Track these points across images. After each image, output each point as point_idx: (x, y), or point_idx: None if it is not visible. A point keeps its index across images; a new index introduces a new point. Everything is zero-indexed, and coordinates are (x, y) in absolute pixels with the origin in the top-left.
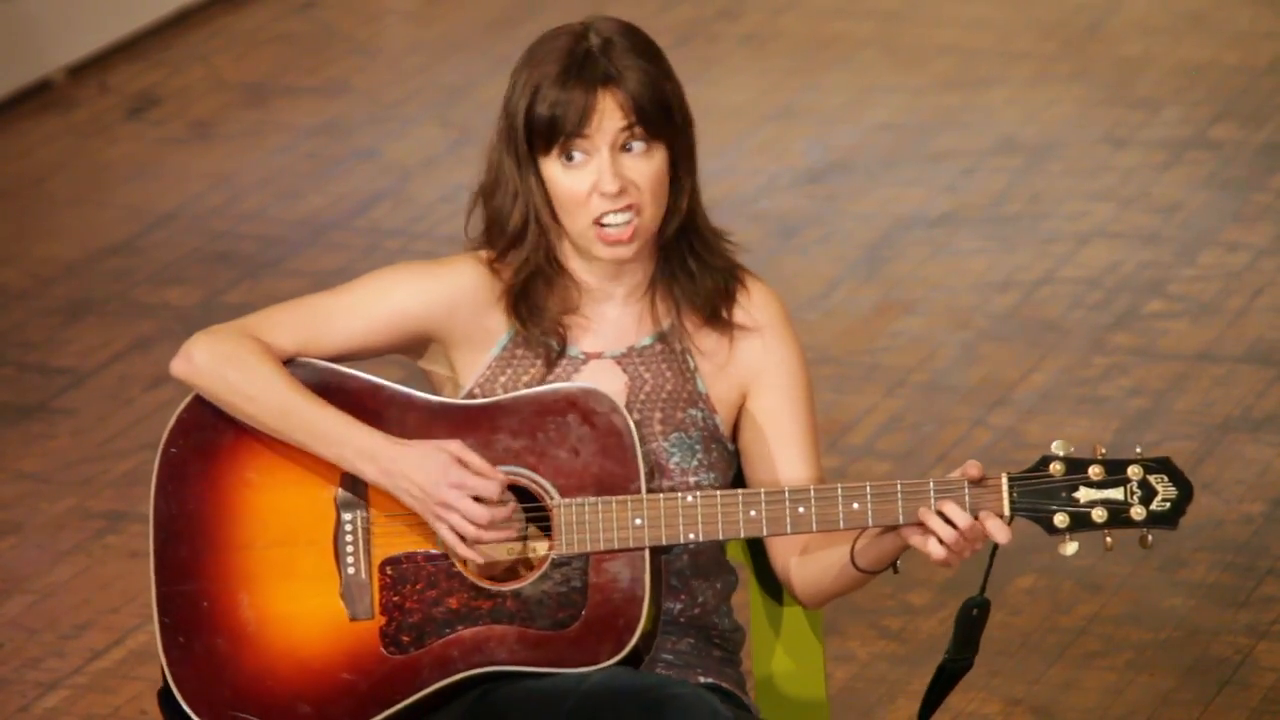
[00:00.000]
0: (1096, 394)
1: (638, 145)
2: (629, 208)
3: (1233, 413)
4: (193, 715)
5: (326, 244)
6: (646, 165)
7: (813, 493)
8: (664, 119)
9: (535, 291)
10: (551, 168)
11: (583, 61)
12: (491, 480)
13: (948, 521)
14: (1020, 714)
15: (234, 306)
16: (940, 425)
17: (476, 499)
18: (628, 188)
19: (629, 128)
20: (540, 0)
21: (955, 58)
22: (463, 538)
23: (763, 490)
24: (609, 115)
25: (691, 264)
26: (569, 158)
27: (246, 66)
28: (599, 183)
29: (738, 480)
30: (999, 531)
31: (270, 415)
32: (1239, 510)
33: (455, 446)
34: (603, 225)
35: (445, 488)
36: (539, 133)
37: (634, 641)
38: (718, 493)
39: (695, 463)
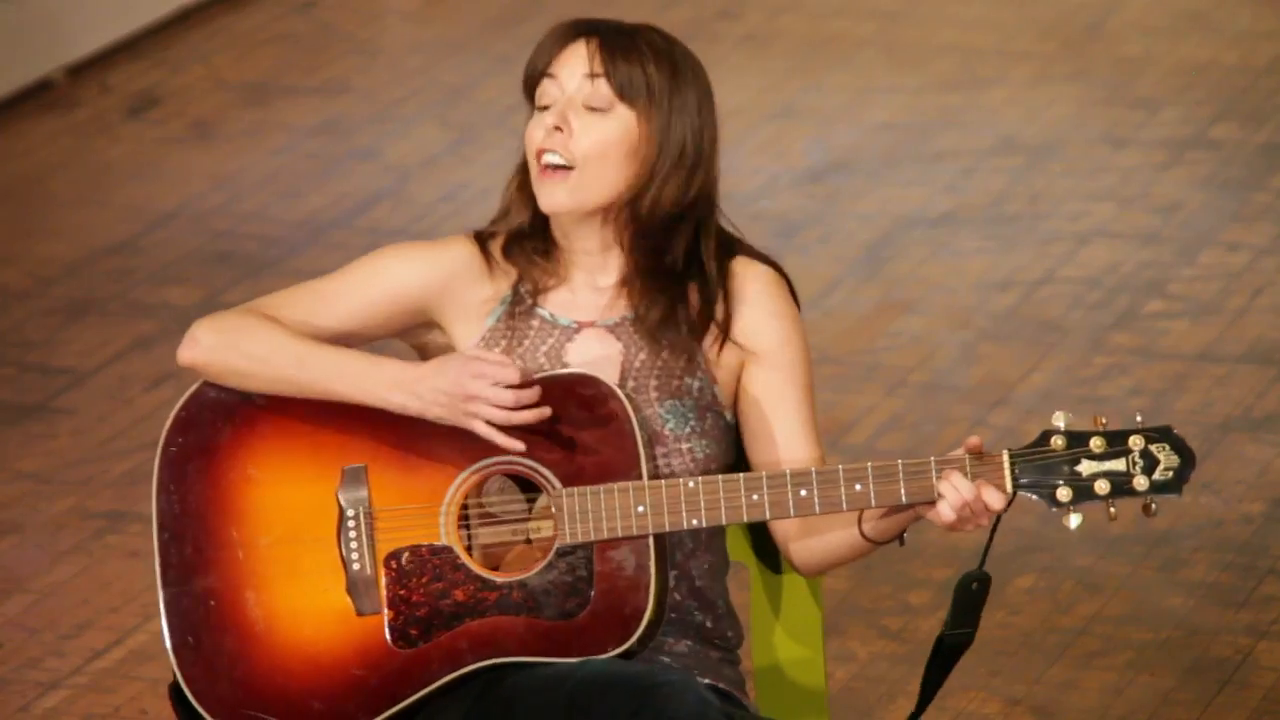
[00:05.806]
0: (1096, 394)
1: (600, 102)
2: (565, 167)
3: (1233, 413)
4: (205, 714)
5: (326, 244)
6: (600, 126)
7: (815, 475)
8: (630, 83)
9: (519, 238)
10: (531, 115)
11: (588, 19)
12: (510, 367)
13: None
14: (1020, 714)
15: (234, 306)
16: (940, 425)
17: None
18: (568, 132)
19: (590, 75)
20: (540, 0)
21: (955, 58)
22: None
23: (764, 474)
24: (576, 58)
25: (666, 285)
26: (544, 107)
27: (246, 66)
28: (547, 122)
29: (738, 452)
30: (994, 499)
31: (288, 369)
32: (1239, 510)
33: (468, 350)
34: (541, 162)
35: (468, 379)
36: (524, 76)
37: (642, 628)
38: (719, 478)
39: (689, 429)
